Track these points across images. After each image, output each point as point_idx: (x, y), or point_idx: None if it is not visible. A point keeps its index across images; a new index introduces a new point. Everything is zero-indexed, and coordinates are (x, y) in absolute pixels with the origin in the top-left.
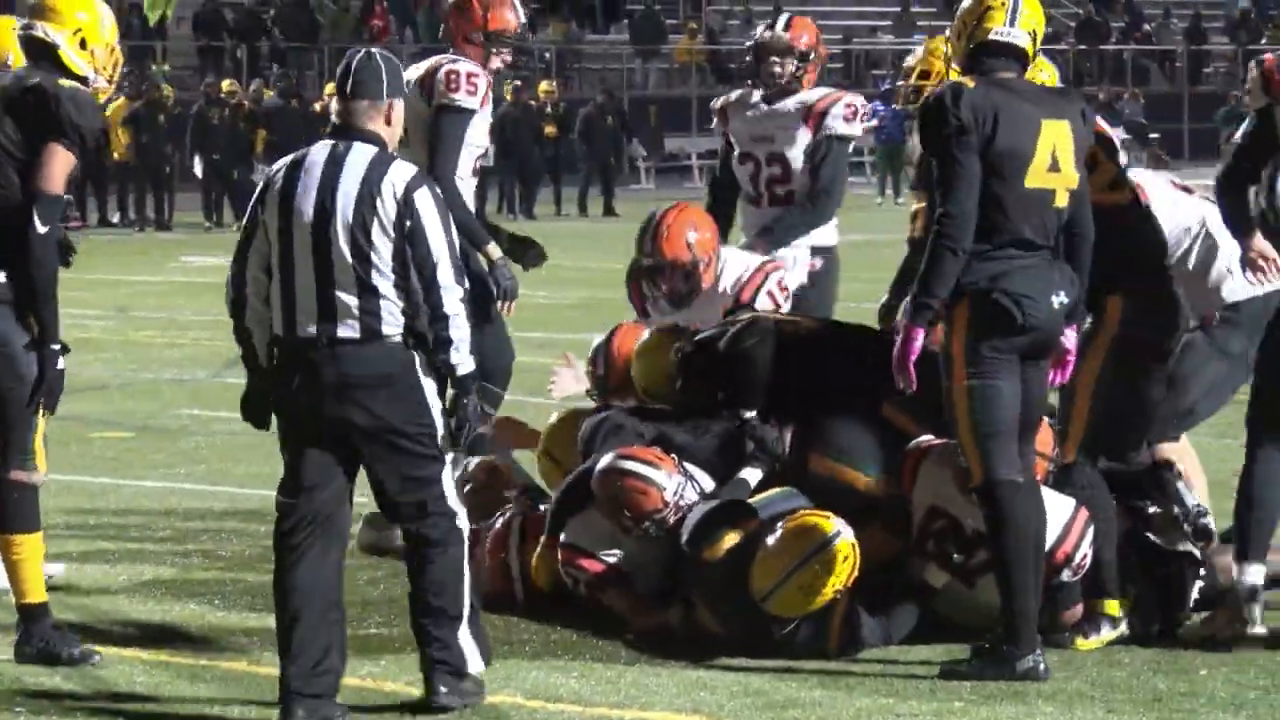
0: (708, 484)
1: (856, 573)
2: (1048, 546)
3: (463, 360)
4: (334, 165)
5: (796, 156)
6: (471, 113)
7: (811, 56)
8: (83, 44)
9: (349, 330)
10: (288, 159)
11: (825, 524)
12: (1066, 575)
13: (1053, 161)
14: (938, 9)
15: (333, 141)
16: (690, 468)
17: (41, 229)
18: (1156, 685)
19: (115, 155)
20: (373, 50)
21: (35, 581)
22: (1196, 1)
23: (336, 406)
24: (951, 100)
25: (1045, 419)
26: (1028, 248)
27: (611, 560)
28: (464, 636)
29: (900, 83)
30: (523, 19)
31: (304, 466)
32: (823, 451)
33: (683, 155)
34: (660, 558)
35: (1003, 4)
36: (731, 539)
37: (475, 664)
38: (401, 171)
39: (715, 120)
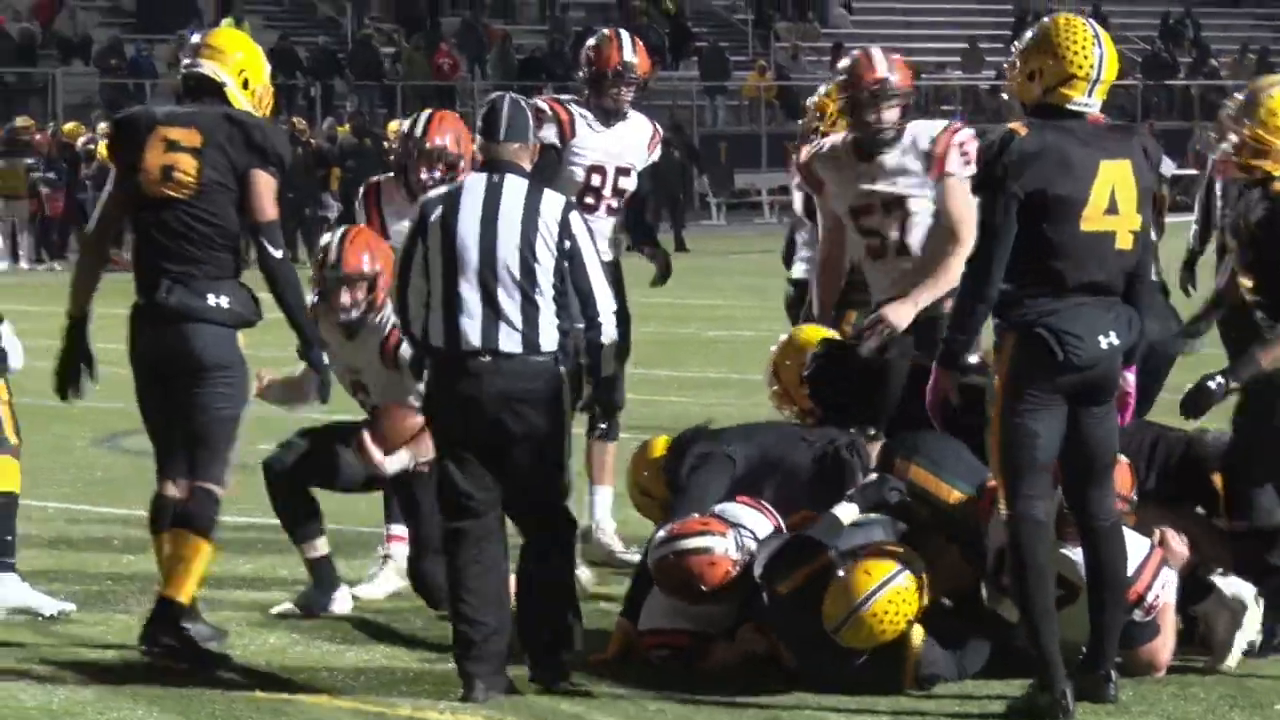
0: (764, 527)
1: (925, 604)
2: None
3: (609, 363)
4: (493, 194)
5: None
6: (548, 147)
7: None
8: (245, 84)
9: (512, 344)
10: (442, 190)
11: (895, 557)
12: (1138, 615)
13: (1111, 204)
14: (1005, 44)
15: (486, 174)
16: (744, 512)
17: (276, 253)
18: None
19: None
20: (513, 96)
21: (187, 581)
22: (1264, 36)
23: (495, 415)
24: (999, 148)
25: (1124, 460)
26: (1086, 291)
27: (693, 627)
28: (572, 619)
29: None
30: (638, 59)
31: (463, 476)
32: (915, 459)
33: (752, 191)
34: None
35: (1087, 76)
36: (805, 572)
37: (579, 643)
38: (555, 198)
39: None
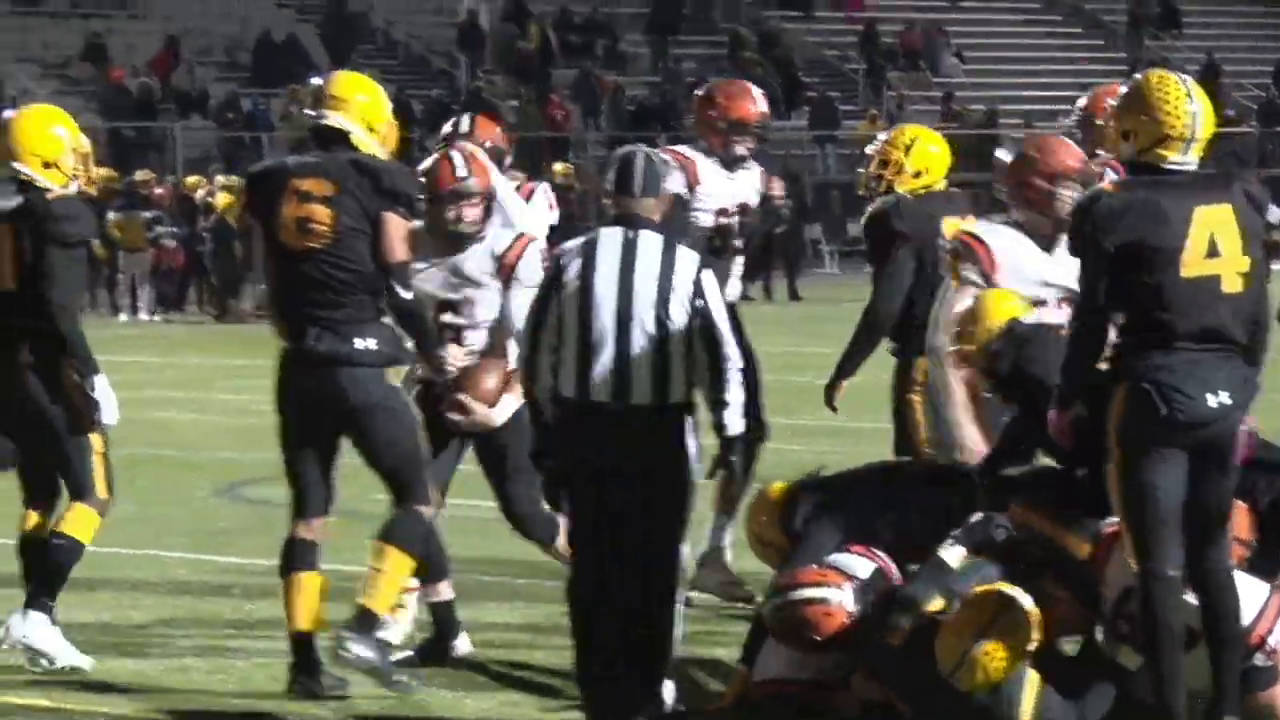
0: (877, 575)
1: (1038, 640)
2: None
3: (734, 422)
4: (629, 249)
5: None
6: (678, 196)
7: None
8: (370, 127)
9: (642, 397)
10: (577, 242)
11: (1003, 591)
12: (1260, 659)
13: (1211, 248)
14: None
15: (622, 229)
16: (857, 562)
17: (405, 294)
18: None
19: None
20: (643, 150)
21: (389, 594)
22: None
23: (621, 463)
24: (1086, 207)
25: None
26: (1196, 339)
27: (808, 676)
28: (668, 685)
29: (860, 171)
30: (763, 108)
31: (592, 522)
32: (1028, 499)
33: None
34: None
35: (1181, 135)
36: (913, 619)
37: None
38: (690, 256)
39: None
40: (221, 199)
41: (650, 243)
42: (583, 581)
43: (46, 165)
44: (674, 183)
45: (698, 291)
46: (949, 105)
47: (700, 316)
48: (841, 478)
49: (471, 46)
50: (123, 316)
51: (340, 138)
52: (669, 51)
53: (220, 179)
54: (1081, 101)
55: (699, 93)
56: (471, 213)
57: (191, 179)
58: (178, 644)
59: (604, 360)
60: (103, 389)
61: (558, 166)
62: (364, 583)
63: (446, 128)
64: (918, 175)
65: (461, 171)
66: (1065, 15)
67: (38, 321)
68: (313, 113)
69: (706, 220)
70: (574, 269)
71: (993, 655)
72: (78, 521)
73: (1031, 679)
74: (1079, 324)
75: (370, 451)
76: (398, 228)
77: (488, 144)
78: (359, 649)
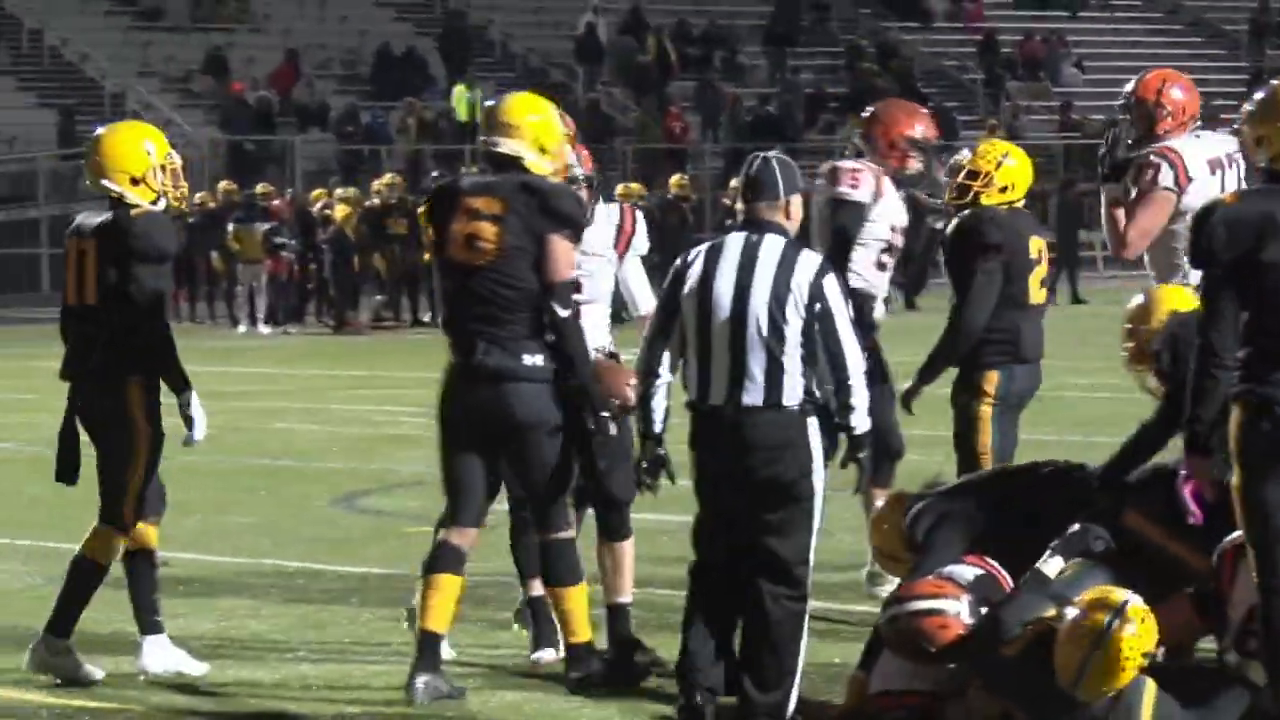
0: (990, 586)
1: (1155, 643)
2: None
3: (861, 423)
4: (750, 252)
5: None
6: (859, 204)
7: None
8: (542, 149)
9: (753, 399)
10: (702, 247)
11: (1113, 595)
12: None
13: None
14: (1239, 100)
15: (746, 233)
16: (970, 572)
17: (563, 312)
18: None
19: (426, 256)
20: (769, 155)
21: (584, 623)
22: None
23: (740, 466)
24: (1203, 219)
25: None
26: None
27: (925, 688)
28: (794, 694)
29: (946, 180)
30: (931, 128)
31: (713, 523)
32: (1143, 509)
33: None
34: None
35: None
36: (1030, 631)
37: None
38: (811, 260)
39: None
40: (339, 211)
41: (772, 246)
42: (700, 584)
43: (134, 181)
44: (863, 191)
45: (816, 294)
46: (1068, 115)
47: (820, 320)
48: (962, 486)
49: (589, 59)
50: (241, 328)
51: (513, 162)
52: (787, 62)
53: (339, 192)
54: (1129, 86)
55: (868, 112)
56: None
57: (316, 192)
58: (296, 653)
59: (718, 363)
60: (195, 405)
61: (674, 178)
62: (561, 622)
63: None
64: (1004, 190)
65: (571, 159)
66: (1187, 24)
67: (119, 337)
68: (484, 137)
69: (881, 233)
70: (695, 272)
71: (1115, 660)
72: (101, 543)
73: (1149, 686)
74: (1203, 345)
75: (521, 470)
76: (561, 249)
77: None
78: (594, 671)
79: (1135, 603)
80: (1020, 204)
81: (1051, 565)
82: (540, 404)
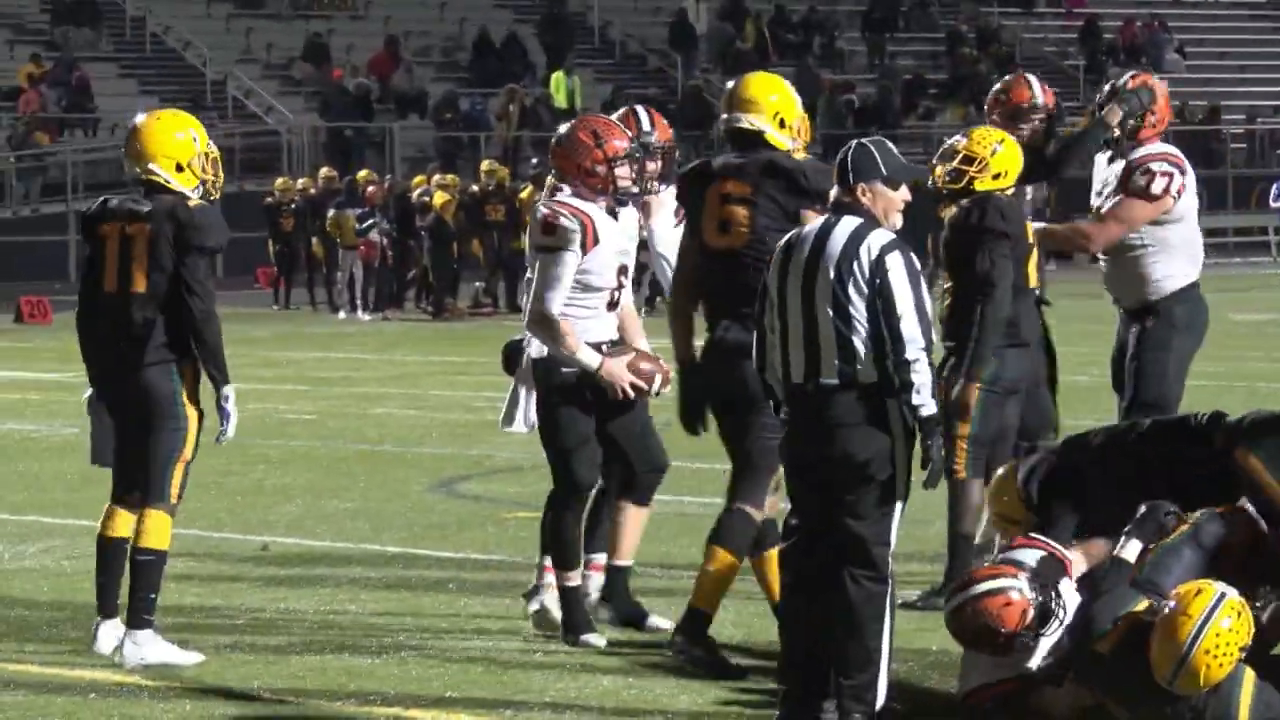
0: (1052, 568)
1: (1253, 632)
2: None
3: (925, 402)
4: (825, 234)
5: None
6: None
7: None
8: (781, 123)
9: (830, 377)
10: (791, 232)
11: (1209, 589)
12: None
13: None
14: None
15: (825, 217)
16: (1029, 554)
17: None
18: None
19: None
20: (854, 142)
21: (716, 594)
22: None
23: (817, 445)
24: None
25: None
26: None
27: (1015, 674)
28: (882, 680)
29: (935, 165)
30: (1039, 97)
31: (799, 504)
32: (1256, 451)
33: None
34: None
35: None
36: (1122, 625)
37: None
38: (880, 237)
39: None
40: (438, 198)
41: (845, 226)
42: (788, 571)
43: (179, 168)
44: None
45: (878, 270)
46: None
47: (880, 296)
48: (1073, 445)
49: (686, 45)
50: (341, 314)
51: (755, 139)
52: (885, 48)
53: (437, 178)
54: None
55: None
56: (651, 167)
57: (415, 179)
58: (395, 638)
59: (796, 342)
60: (232, 402)
61: None
62: (697, 586)
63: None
64: (997, 176)
65: (646, 126)
66: None
67: (171, 325)
68: (726, 115)
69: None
70: (779, 254)
71: (1212, 653)
72: (156, 531)
73: (1247, 675)
74: None
75: (737, 441)
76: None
77: (665, 144)
78: (692, 650)
79: (1232, 596)
80: (1010, 191)
81: (1130, 549)
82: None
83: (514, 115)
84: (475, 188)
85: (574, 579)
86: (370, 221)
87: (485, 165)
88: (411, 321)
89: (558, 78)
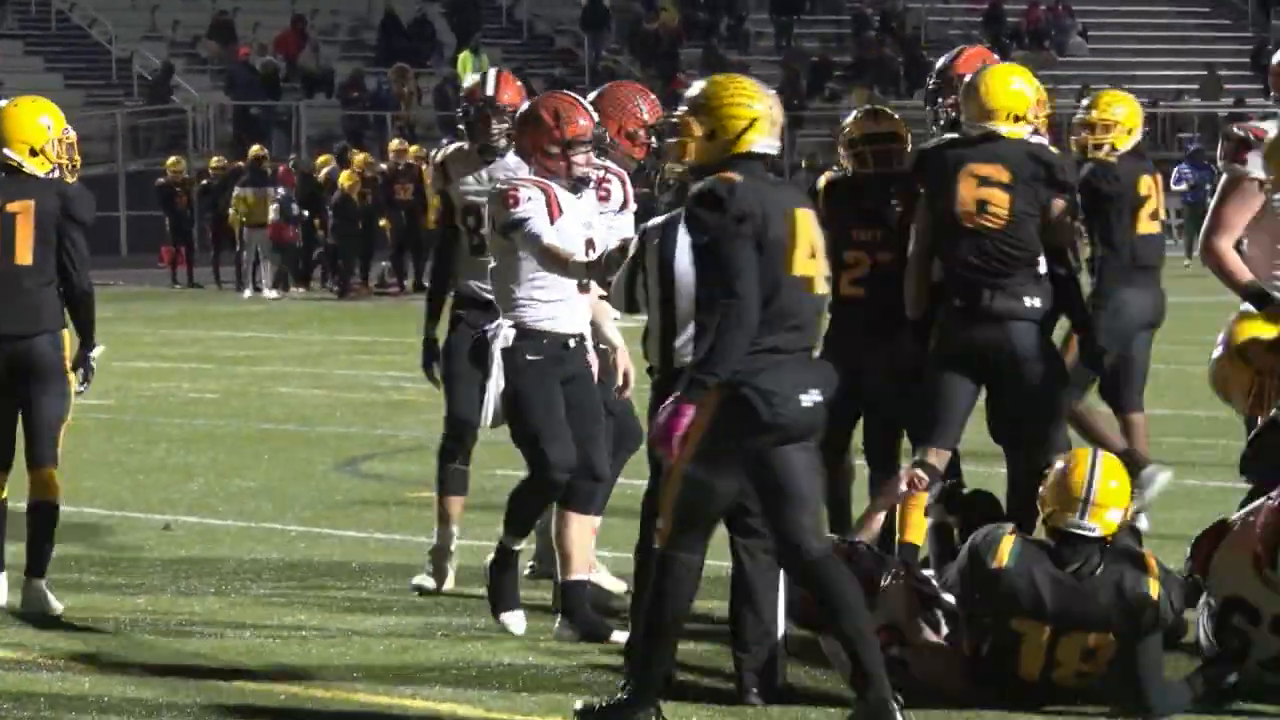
0: None
1: None
2: None
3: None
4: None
5: None
6: None
7: None
8: (1015, 119)
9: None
10: (659, 220)
11: None
12: None
13: None
14: (1243, 71)
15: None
16: None
17: (1060, 270)
18: None
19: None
20: None
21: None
22: None
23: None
24: None
25: None
26: None
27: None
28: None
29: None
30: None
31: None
32: None
33: None
34: None
35: None
36: None
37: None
38: None
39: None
40: (344, 177)
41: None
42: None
43: (33, 152)
44: None
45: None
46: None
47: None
48: None
49: (595, 26)
50: (246, 293)
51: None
52: (793, 30)
53: (359, 159)
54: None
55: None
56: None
57: (321, 158)
58: (296, 618)
59: (683, 332)
60: (96, 360)
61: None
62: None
63: (469, 82)
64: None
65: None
66: None
67: (59, 294)
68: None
69: None
70: (653, 245)
71: None
72: (57, 487)
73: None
74: None
75: (1017, 397)
76: (1063, 213)
77: (510, 108)
78: None
79: None
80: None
81: None
82: (1033, 339)
83: (409, 94)
84: (384, 166)
85: (518, 546)
86: (280, 203)
87: (394, 144)
88: (316, 300)
89: (464, 57)
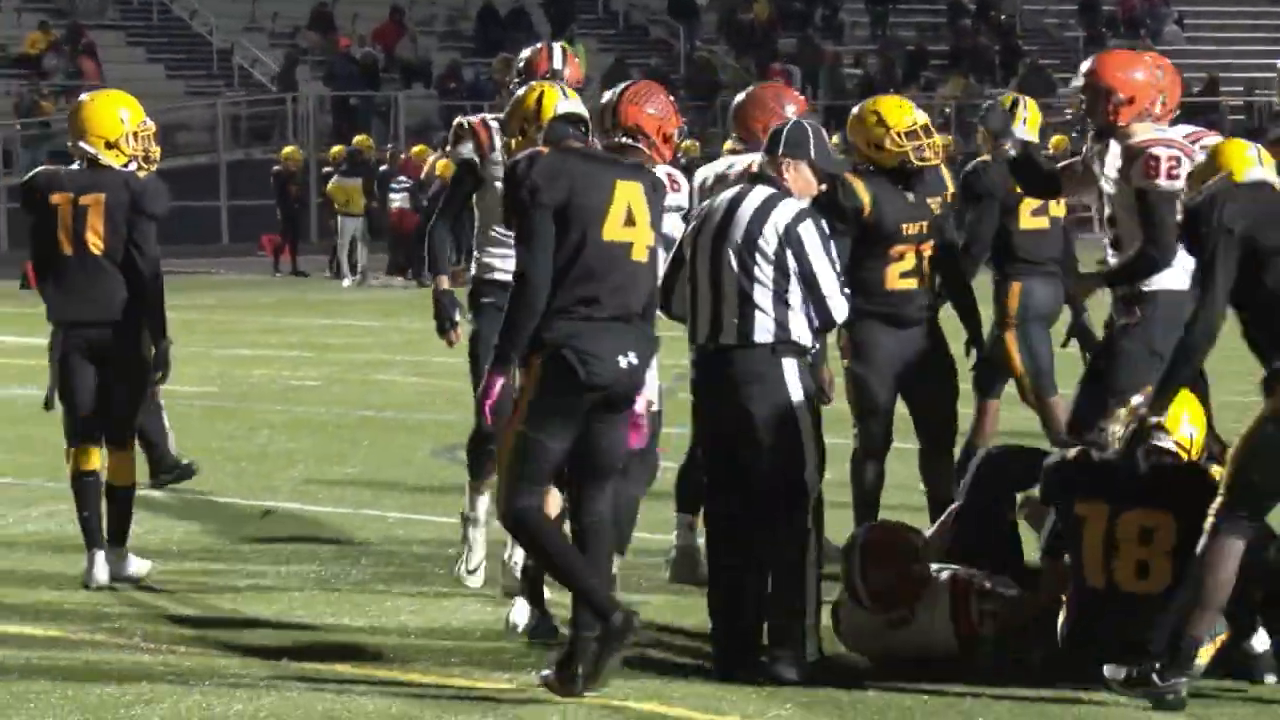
0: None
1: None
2: None
3: (839, 308)
4: (736, 202)
5: None
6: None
7: None
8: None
9: (729, 338)
10: (710, 199)
11: None
12: None
13: None
14: None
15: (741, 185)
16: None
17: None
18: None
19: None
20: (808, 122)
21: None
22: None
23: (719, 404)
24: None
25: None
26: None
27: None
28: (810, 632)
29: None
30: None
31: (714, 461)
32: None
33: None
34: None
35: None
36: None
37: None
38: (790, 206)
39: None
40: (441, 166)
41: (757, 194)
42: (714, 531)
43: (109, 145)
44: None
45: (788, 240)
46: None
47: (796, 260)
48: None
49: (687, 15)
50: (345, 281)
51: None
52: (888, 19)
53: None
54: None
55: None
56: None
57: (417, 148)
58: (395, 602)
59: (703, 304)
60: (170, 352)
61: None
62: None
63: (525, 56)
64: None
65: (557, 64)
66: None
67: (131, 284)
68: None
69: None
70: (695, 221)
71: None
72: (131, 469)
73: None
74: None
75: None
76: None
77: (575, 84)
78: None
79: None
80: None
81: None
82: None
83: (507, 84)
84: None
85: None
86: (388, 193)
87: None
88: (416, 289)
89: (561, 46)
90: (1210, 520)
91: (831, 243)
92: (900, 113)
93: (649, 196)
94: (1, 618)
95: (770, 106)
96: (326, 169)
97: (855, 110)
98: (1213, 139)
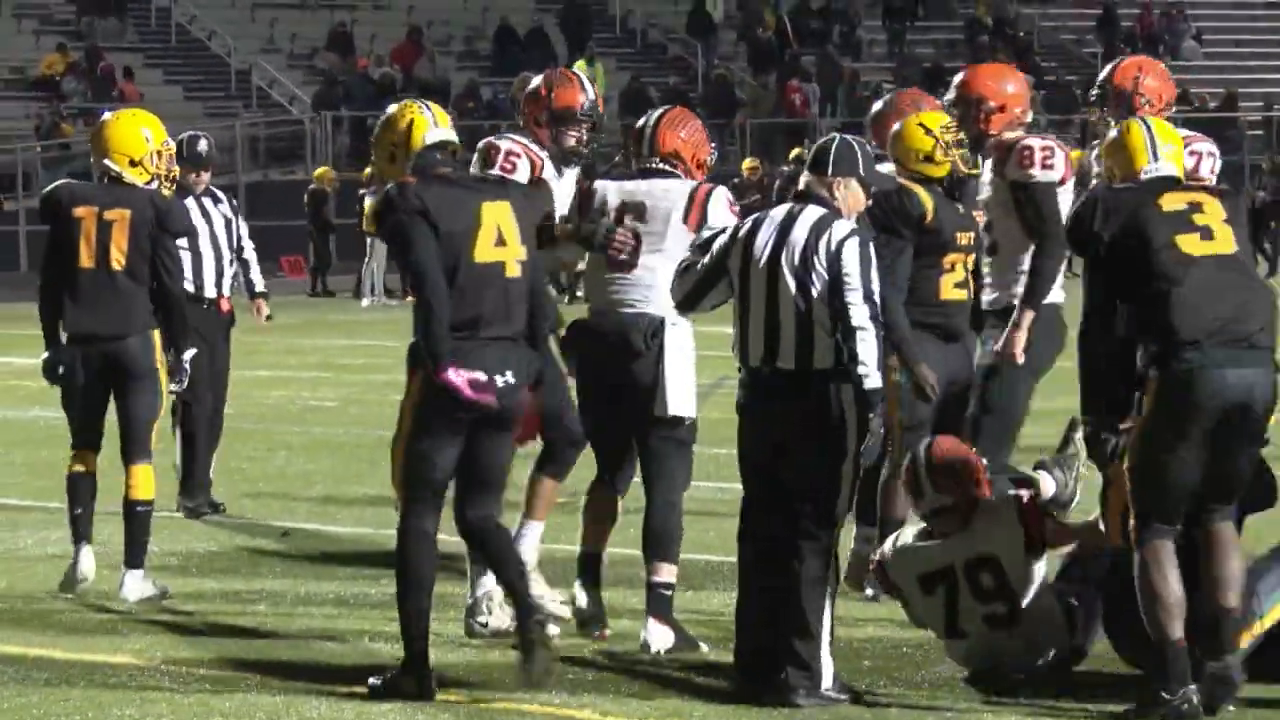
0: None
1: None
2: None
3: (869, 374)
4: (789, 221)
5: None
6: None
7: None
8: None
9: (787, 361)
10: (753, 216)
11: None
12: None
13: None
14: None
15: (791, 203)
16: None
17: None
18: None
19: None
20: (849, 137)
21: None
22: None
23: (768, 428)
24: None
25: None
26: None
27: None
28: (825, 655)
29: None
30: (591, 97)
31: (753, 483)
32: None
33: None
34: None
35: None
36: None
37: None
38: (842, 227)
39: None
40: None
41: (809, 215)
42: (754, 550)
43: (133, 164)
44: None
45: (835, 258)
46: (1186, 89)
47: (833, 279)
48: None
49: (704, 33)
50: (365, 301)
51: None
52: (905, 37)
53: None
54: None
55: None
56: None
57: None
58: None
59: (755, 326)
60: (189, 360)
61: (795, 151)
62: None
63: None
64: None
65: (592, 95)
66: None
67: (142, 298)
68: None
69: None
70: (741, 237)
71: None
72: (149, 484)
73: None
74: None
75: None
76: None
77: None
78: None
79: None
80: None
81: None
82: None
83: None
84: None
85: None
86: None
87: None
88: None
89: (580, 66)
90: (1133, 539)
91: (875, 266)
92: (945, 124)
93: (519, 212)
94: (21, 639)
95: (909, 115)
96: (361, 191)
97: (896, 127)
98: (1203, 144)
